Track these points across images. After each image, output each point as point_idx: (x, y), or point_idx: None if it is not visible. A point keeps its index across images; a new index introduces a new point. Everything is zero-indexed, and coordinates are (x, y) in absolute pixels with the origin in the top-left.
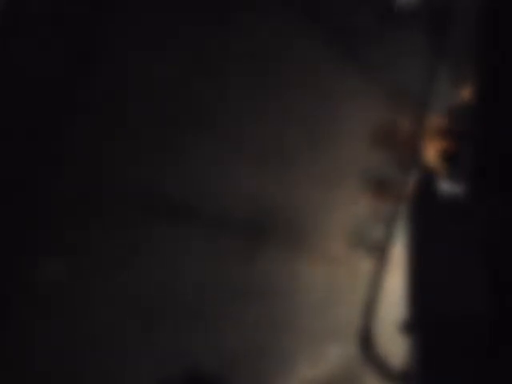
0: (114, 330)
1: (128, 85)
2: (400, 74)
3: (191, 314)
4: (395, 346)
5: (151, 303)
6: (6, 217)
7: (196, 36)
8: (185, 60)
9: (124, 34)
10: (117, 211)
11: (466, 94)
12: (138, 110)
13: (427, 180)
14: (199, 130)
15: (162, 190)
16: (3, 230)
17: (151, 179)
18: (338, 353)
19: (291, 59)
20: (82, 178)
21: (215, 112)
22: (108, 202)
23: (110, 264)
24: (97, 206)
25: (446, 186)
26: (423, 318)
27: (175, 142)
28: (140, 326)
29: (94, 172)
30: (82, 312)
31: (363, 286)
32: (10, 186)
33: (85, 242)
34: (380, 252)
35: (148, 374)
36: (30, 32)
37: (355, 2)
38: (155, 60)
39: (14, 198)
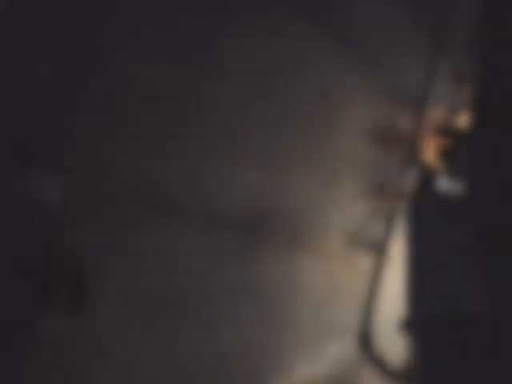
0: (113, 329)
1: (128, 85)
2: (400, 73)
3: (191, 312)
4: (394, 345)
5: (151, 303)
6: (6, 220)
7: (196, 36)
8: (185, 60)
9: (124, 34)
10: (117, 210)
11: (465, 93)
12: (139, 110)
13: (426, 178)
14: (199, 129)
15: (162, 190)
16: (4, 232)
17: (151, 178)
18: (337, 351)
19: (291, 60)
20: (81, 178)
21: (215, 112)
22: (108, 201)
23: (109, 264)
24: (97, 205)
25: (445, 184)
26: (422, 317)
27: (175, 142)
28: (140, 325)
29: (94, 172)
30: (82, 312)
31: (362, 284)
32: (10, 188)
33: (85, 241)
34: (379, 250)
35: (148, 372)
36: (30, 32)
37: (355, 2)
38: (155, 60)
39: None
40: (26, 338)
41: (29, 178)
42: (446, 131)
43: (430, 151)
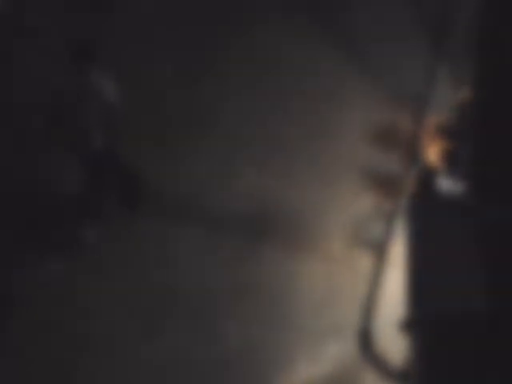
0: (114, 329)
1: (129, 84)
2: (400, 74)
3: (191, 313)
4: (394, 345)
5: (151, 303)
6: (7, 218)
7: (196, 36)
8: (185, 60)
9: (124, 35)
10: (117, 212)
11: (465, 94)
12: (139, 111)
13: (427, 179)
14: (199, 130)
15: (163, 190)
16: (5, 230)
17: (151, 179)
18: (338, 351)
19: (291, 60)
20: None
21: (215, 112)
22: (109, 202)
23: (110, 264)
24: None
25: (446, 185)
26: (422, 317)
27: (175, 142)
28: (140, 325)
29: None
30: (82, 312)
31: (363, 284)
32: (10, 191)
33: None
34: (380, 250)
35: (148, 372)
36: (30, 32)
37: (355, 3)
38: (155, 60)
39: (13, 198)
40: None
41: (91, 74)
42: (446, 131)
43: (431, 151)
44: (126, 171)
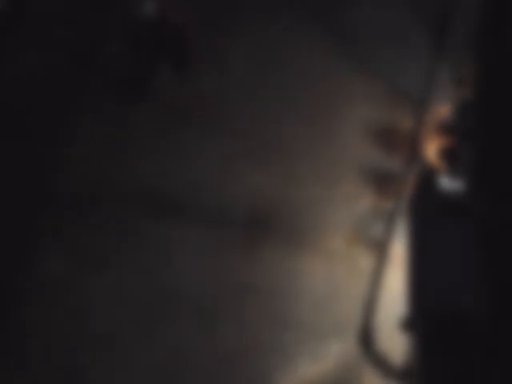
0: (114, 328)
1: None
2: (400, 73)
3: (191, 312)
4: (395, 344)
5: (151, 303)
6: (7, 216)
7: (196, 36)
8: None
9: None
10: (117, 211)
11: (465, 93)
12: (139, 110)
13: (427, 177)
14: (200, 129)
15: (162, 190)
16: (5, 229)
17: (151, 179)
18: (338, 350)
19: (292, 60)
20: (82, 178)
21: (216, 111)
22: (108, 201)
23: (110, 263)
24: (97, 205)
25: (446, 184)
26: (423, 316)
27: (175, 142)
28: (140, 325)
29: (95, 172)
30: (82, 312)
31: (363, 283)
32: (11, 186)
33: (85, 241)
34: (380, 249)
35: (149, 372)
36: (31, 32)
37: (356, 3)
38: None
39: (16, 196)
40: (141, 93)
41: None
42: (447, 131)
43: (431, 150)
44: (177, 35)
